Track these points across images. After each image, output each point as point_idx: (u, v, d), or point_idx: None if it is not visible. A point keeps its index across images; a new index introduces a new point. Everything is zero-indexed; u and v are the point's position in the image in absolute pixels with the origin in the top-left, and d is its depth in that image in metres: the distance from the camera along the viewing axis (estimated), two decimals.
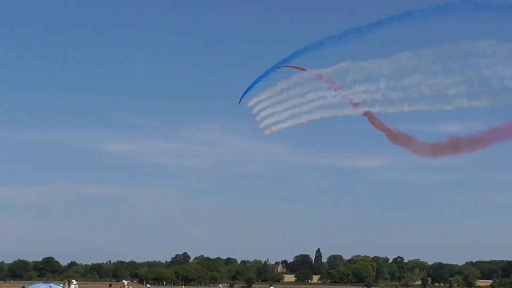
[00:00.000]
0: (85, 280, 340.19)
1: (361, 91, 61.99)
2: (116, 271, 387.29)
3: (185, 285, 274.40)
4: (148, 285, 73.89)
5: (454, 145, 56.12)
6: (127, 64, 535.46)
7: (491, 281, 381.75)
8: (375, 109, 61.86)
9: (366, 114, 63.28)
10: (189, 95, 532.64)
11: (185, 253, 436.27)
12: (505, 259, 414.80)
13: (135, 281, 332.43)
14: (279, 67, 70.20)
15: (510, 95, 50.96)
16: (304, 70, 68.64)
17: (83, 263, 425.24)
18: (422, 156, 61.55)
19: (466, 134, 56.29)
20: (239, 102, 73.52)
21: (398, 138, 61.76)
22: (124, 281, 72.25)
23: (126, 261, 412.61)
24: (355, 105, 63.97)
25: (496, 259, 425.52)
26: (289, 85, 67.47)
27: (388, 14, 55.50)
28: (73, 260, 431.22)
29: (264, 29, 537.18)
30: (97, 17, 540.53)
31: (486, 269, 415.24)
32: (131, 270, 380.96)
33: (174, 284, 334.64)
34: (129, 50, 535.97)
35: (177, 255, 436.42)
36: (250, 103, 70.89)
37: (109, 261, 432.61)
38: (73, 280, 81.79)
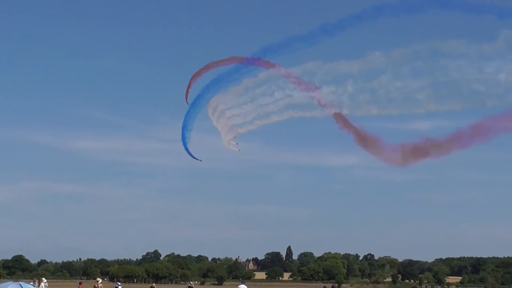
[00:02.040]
0: (55, 278, 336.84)
1: (329, 92, 61.05)
2: (87, 269, 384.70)
3: (156, 283, 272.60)
4: (119, 283, 72.95)
5: (423, 147, 55.53)
6: (98, 62, 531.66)
7: (461, 277, 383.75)
8: (343, 111, 61.01)
9: (335, 115, 62.38)
10: (160, 93, 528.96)
11: (156, 251, 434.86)
12: (474, 256, 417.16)
13: (105, 279, 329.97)
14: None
15: (478, 99, 50.46)
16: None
17: (53, 261, 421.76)
18: (391, 164, 60.92)
19: (436, 134, 55.71)
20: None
21: (367, 142, 60.95)
22: (98, 279, 71.08)
23: (97, 259, 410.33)
24: (324, 106, 62.97)
25: (465, 256, 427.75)
26: (255, 84, 65.88)
27: (359, 11, 54.70)
28: (43, 258, 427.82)
29: (232, 27, 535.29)
30: (66, 15, 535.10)
31: (456, 265, 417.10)
32: (102, 268, 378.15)
33: (145, 282, 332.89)
34: (100, 48, 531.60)
35: (148, 253, 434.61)
36: (214, 102, 68.97)
37: (80, 259, 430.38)
38: (43, 278, 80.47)
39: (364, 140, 61.21)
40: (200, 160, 78.82)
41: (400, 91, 54.76)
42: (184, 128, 72.91)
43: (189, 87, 68.70)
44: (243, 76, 65.82)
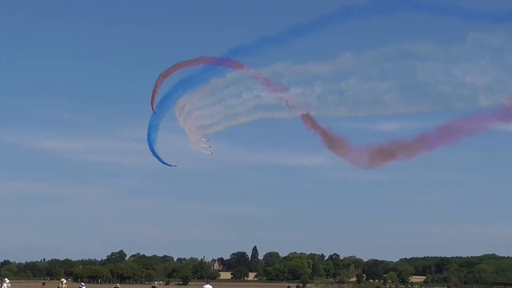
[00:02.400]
0: (19, 279, 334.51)
1: (298, 93, 61.02)
2: (51, 269, 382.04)
3: (120, 283, 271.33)
4: (83, 283, 72.38)
5: (390, 149, 55.77)
6: (64, 61, 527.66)
7: (425, 277, 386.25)
8: (312, 112, 60.99)
9: (303, 116, 62.35)
10: (127, 93, 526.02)
11: (121, 251, 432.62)
12: (438, 255, 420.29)
13: (69, 279, 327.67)
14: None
15: (445, 101, 50.78)
16: None
17: (17, 262, 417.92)
18: (358, 166, 61.16)
19: (403, 136, 56.01)
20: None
21: (333, 143, 61.06)
22: (62, 279, 70.53)
23: (61, 259, 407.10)
24: (292, 107, 62.93)
25: (429, 256, 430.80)
26: (223, 84, 65.47)
27: (329, 12, 54.71)
28: (6, 259, 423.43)
29: (202, 28, 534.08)
30: (31, 13, 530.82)
31: (420, 265, 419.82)
32: (66, 268, 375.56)
33: (109, 282, 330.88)
34: (66, 48, 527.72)
35: (112, 253, 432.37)
36: (181, 103, 68.32)
37: (44, 259, 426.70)
38: (6, 279, 79.55)
39: (331, 142, 61.34)
40: (175, 166, 78.29)
41: (368, 93, 54.94)
42: (150, 136, 72.43)
43: (155, 91, 68.06)
44: (211, 77, 65.47)
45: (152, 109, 69.51)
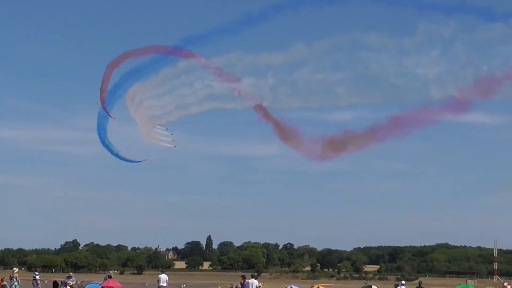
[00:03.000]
0: None
1: (250, 83, 60.84)
2: (4, 258, 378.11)
3: (74, 272, 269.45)
4: (37, 273, 71.60)
5: (342, 140, 55.85)
6: (17, 49, 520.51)
7: (378, 266, 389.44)
8: (264, 103, 60.83)
9: (255, 107, 62.16)
10: (80, 82, 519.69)
11: (74, 241, 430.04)
12: (391, 245, 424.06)
13: (23, 268, 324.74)
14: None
15: (397, 92, 50.91)
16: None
17: None
18: (310, 157, 61.15)
19: (355, 126, 56.17)
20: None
21: (286, 135, 60.98)
22: (15, 268, 69.49)
23: (14, 249, 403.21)
24: (244, 97, 62.72)
25: (383, 245, 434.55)
26: (174, 74, 64.87)
27: (282, 1, 54.43)
28: None
29: (153, 16, 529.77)
30: None
31: (374, 254, 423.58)
32: (19, 257, 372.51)
33: (63, 272, 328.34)
34: (18, 35, 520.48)
35: (66, 242, 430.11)
36: (132, 92, 67.43)
37: None
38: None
39: (283, 133, 61.25)
40: (145, 160, 76.90)
41: (320, 84, 54.85)
42: (100, 132, 71.37)
43: (104, 81, 66.94)
44: (163, 66, 64.83)
45: (102, 103, 68.34)
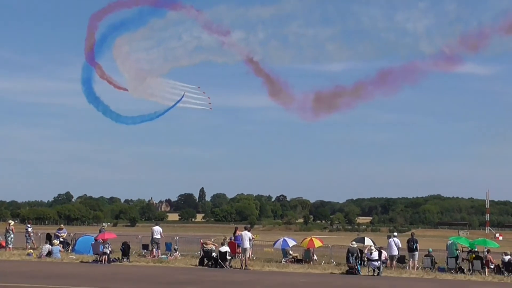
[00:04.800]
0: None
1: (240, 37, 60.92)
2: None
3: (67, 224, 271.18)
4: (29, 225, 72.23)
5: (334, 95, 56.26)
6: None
7: (371, 217, 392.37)
8: (255, 57, 60.94)
9: (247, 61, 62.27)
10: (69, 32, 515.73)
11: (67, 193, 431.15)
12: (384, 197, 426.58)
13: (16, 221, 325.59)
14: None
15: (388, 47, 51.22)
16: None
17: None
18: (302, 117, 61.44)
19: (345, 80, 56.60)
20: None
21: (277, 91, 61.20)
22: (10, 221, 70.11)
23: (7, 201, 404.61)
24: (234, 51, 62.82)
25: (375, 197, 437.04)
26: (163, 25, 64.19)
27: None
28: None
29: None
30: None
31: (366, 206, 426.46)
32: (12, 210, 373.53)
33: (56, 224, 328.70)
34: None
35: (59, 195, 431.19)
36: (119, 43, 66.52)
37: None
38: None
39: (274, 89, 61.46)
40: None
41: (311, 39, 55.09)
42: (86, 83, 70.66)
43: (89, 35, 66.27)
44: (151, 17, 64.19)
45: (87, 57, 67.60)
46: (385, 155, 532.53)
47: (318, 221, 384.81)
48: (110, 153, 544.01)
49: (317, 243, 62.49)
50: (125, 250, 58.17)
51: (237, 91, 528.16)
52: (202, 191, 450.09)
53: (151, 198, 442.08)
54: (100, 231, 61.90)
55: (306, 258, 62.15)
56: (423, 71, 52.83)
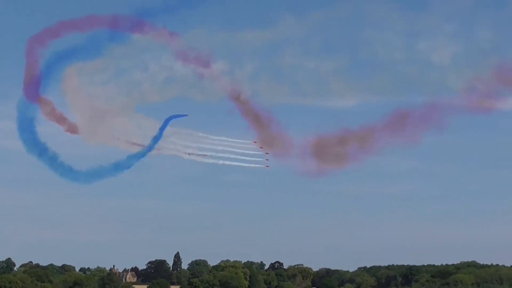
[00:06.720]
0: None
1: (224, 69, 60.45)
2: None
3: None
4: None
5: (343, 139, 55.77)
6: None
7: None
8: (242, 94, 60.42)
9: (232, 98, 61.67)
10: (12, 66, 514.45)
11: (8, 260, 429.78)
12: (405, 264, 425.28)
13: None
14: None
15: (407, 80, 50.87)
16: None
17: None
18: (303, 173, 60.94)
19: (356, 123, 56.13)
20: None
21: (270, 139, 60.59)
22: None
23: None
24: (218, 85, 62.38)
25: (394, 264, 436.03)
26: (123, 53, 62.97)
27: None
28: None
29: None
30: None
31: (383, 276, 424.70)
32: None
33: None
34: None
35: None
36: (70, 72, 65.14)
37: None
38: None
39: (265, 133, 60.87)
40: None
41: (311, 71, 54.79)
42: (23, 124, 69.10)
43: (31, 63, 65.04)
44: (108, 43, 62.87)
45: (26, 90, 66.10)
46: (405, 212, 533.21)
47: None
48: (61, 207, 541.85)
49: None
50: None
51: (219, 134, 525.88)
52: (177, 256, 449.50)
53: (113, 265, 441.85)
54: None
55: None
56: (452, 111, 52.32)
